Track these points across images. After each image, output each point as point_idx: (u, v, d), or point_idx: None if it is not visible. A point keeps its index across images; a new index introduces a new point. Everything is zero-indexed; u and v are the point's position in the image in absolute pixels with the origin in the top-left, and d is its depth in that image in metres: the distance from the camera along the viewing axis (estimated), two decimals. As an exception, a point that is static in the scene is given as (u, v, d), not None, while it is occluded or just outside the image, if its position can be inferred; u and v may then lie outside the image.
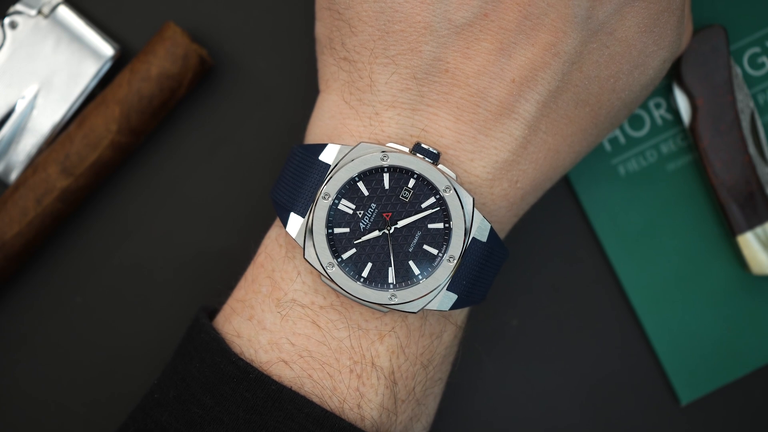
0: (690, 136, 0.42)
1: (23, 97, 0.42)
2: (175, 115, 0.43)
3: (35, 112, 0.42)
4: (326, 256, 0.32)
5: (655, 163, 0.42)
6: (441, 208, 0.32)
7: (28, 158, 0.42)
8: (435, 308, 0.32)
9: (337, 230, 0.33)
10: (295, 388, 0.33)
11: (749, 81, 0.42)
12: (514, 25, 0.32)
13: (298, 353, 0.33)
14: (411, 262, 0.32)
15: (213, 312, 0.37)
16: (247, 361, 0.33)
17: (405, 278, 0.32)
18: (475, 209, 0.32)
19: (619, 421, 0.43)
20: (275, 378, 0.33)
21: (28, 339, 0.43)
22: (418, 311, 0.32)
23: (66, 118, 0.42)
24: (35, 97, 0.42)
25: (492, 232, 0.33)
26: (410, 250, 0.32)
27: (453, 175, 0.32)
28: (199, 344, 0.34)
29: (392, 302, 0.32)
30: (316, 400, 0.32)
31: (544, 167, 0.34)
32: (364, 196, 0.32)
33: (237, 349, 0.34)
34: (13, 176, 0.42)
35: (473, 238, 0.32)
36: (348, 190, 0.33)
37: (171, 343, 0.43)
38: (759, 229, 0.41)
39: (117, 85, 0.41)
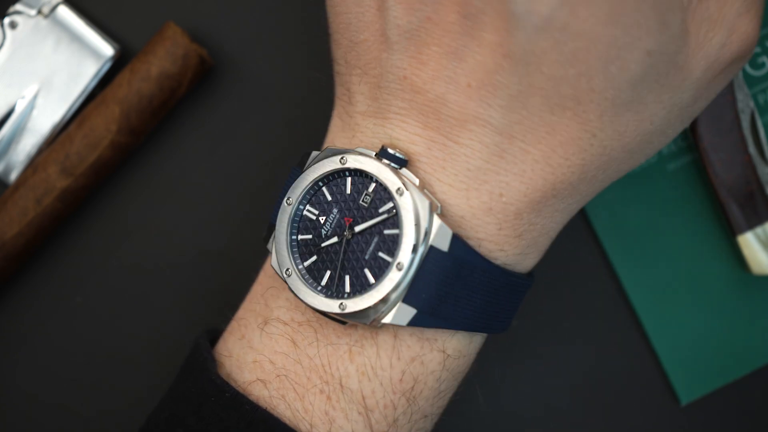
0: (690, 136, 0.42)
1: (23, 97, 0.42)
2: (175, 115, 0.43)
3: (35, 112, 0.42)
4: (285, 262, 0.32)
5: (655, 163, 0.42)
6: (396, 213, 0.31)
7: (28, 158, 0.42)
8: (389, 322, 0.30)
9: (301, 237, 0.32)
10: (269, 409, 0.31)
11: (749, 81, 0.42)
12: (456, 27, 0.31)
13: (276, 373, 0.32)
14: (366, 270, 0.31)
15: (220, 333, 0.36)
16: (229, 380, 0.32)
17: (361, 287, 0.31)
18: (434, 215, 0.30)
19: (619, 421, 0.43)
20: (253, 398, 0.32)
21: (28, 339, 0.43)
22: (370, 323, 0.30)
23: (66, 118, 0.42)
24: (35, 97, 0.42)
25: (457, 241, 0.30)
26: (366, 257, 0.31)
27: (416, 180, 0.31)
28: (192, 363, 0.34)
29: (342, 311, 0.30)
30: (288, 422, 0.31)
31: (536, 181, 0.31)
32: (328, 201, 0.32)
33: (225, 370, 0.33)
34: (13, 176, 0.42)
35: (432, 246, 0.30)
36: (313, 195, 0.32)
37: (171, 343, 0.43)
38: (759, 229, 0.41)
39: (117, 85, 0.41)
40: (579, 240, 0.43)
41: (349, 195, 0.32)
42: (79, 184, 0.41)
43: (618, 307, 0.43)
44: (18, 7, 0.41)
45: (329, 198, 0.32)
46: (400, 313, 0.30)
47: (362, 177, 0.31)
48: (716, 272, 0.42)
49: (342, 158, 0.31)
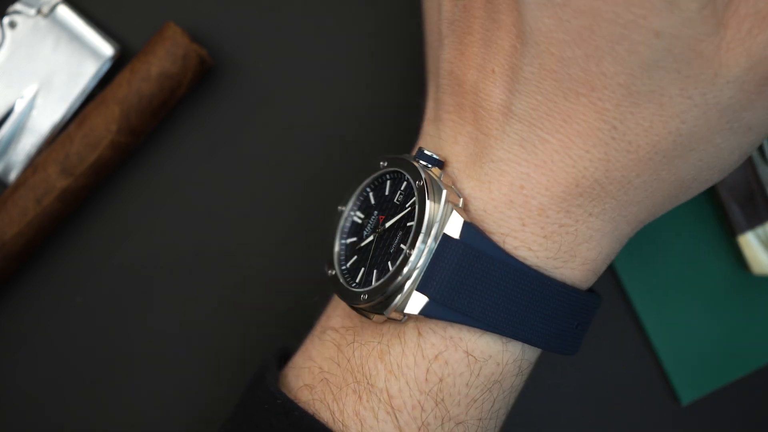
0: (690, 135, 0.42)
1: (23, 97, 0.42)
2: (175, 115, 0.43)
3: (35, 112, 0.42)
4: (332, 265, 0.33)
5: (655, 163, 0.42)
6: (416, 205, 0.31)
7: (28, 158, 0.42)
8: (404, 310, 0.31)
9: (349, 240, 0.33)
10: (315, 413, 0.32)
11: (750, 81, 0.42)
12: (482, 12, 0.31)
13: (321, 377, 0.32)
14: (389, 263, 0.31)
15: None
16: (285, 389, 0.33)
17: (382, 278, 0.31)
18: (449, 205, 0.30)
19: (619, 421, 0.43)
20: (301, 404, 0.32)
21: (28, 339, 0.43)
22: (390, 315, 0.31)
23: (66, 118, 0.42)
24: (35, 97, 0.42)
25: (470, 228, 0.30)
26: (391, 251, 0.32)
27: (440, 176, 0.31)
28: (254, 376, 0.35)
29: (365, 301, 0.31)
30: (326, 423, 0.31)
31: (557, 173, 0.30)
32: (371, 205, 0.33)
33: (286, 380, 0.34)
34: (13, 176, 0.42)
35: (445, 234, 0.30)
36: (362, 201, 0.33)
37: (170, 343, 0.43)
38: (760, 229, 0.41)
39: (117, 85, 0.40)
40: (579, 240, 0.43)
41: (387, 196, 0.33)
42: (79, 184, 0.41)
43: (618, 307, 0.43)
44: (17, 6, 0.41)
45: (373, 202, 0.33)
46: (413, 302, 0.30)
47: (398, 178, 0.32)
48: (716, 272, 0.42)
49: (383, 162, 0.32)
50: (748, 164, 0.41)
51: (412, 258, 0.30)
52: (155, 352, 0.43)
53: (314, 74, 0.43)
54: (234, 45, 0.43)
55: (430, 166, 0.31)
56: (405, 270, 0.30)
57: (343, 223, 0.33)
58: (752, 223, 0.41)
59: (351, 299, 0.32)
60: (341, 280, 0.32)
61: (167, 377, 0.43)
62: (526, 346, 0.32)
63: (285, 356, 0.36)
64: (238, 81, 0.43)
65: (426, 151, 0.31)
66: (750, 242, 0.41)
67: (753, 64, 0.29)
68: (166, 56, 0.40)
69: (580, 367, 0.43)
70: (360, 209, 0.33)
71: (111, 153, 0.41)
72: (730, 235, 0.42)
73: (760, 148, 0.41)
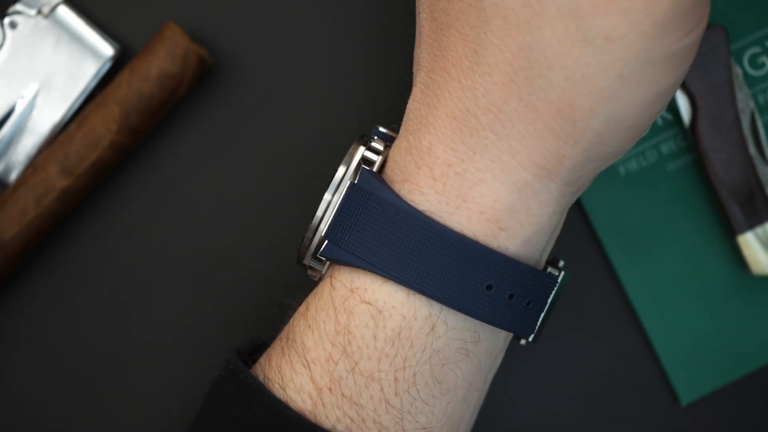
0: (690, 136, 0.42)
1: (23, 97, 0.42)
2: (175, 115, 0.43)
3: (35, 112, 0.42)
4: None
5: (655, 163, 0.42)
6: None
7: (28, 158, 0.42)
8: (312, 254, 0.33)
9: None
10: (254, 372, 0.33)
11: (749, 81, 0.42)
12: None
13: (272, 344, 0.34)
14: None
15: None
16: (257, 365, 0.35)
17: None
18: (363, 150, 0.33)
19: (619, 421, 0.43)
20: (252, 369, 0.34)
21: (28, 339, 0.43)
22: (306, 260, 0.33)
23: (66, 118, 0.42)
24: (35, 97, 0.42)
25: (364, 175, 0.31)
26: None
27: (365, 142, 0.33)
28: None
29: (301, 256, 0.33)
30: (259, 378, 0.33)
31: (441, 110, 0.31)
32: None
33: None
34: (13, 176, 0.42)
35: (350, 183, 0.32)
36: None
37: (169, 342, 0.43)
38: (759, 229, 0.41)
39: (117, 85, 0.41)
40: (579, 240, 0.43)
41: None
42: (79, 184, 0.41)
43: (618, 307, 0.43)
44: (18, 7, 0.41)
45: None
46: (319, 246, 0.32)
47: None
48: (716, 272, 0.42)
49: None
50: (748, 164, 0.41)
51: (323, 205, 0.32)
52: (155, 351, 0.43)
53: (314, 74, 0.43)
54: (234, 45, 0.43)
55: (376, 137, 0.33)
56: (317, 218, 0.32)
57: None
58: (752, 223, 0.41)
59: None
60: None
61: (167, 377, 0.43)
62: (435, 303, 0.31)
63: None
64: (238, 81, 0.43)
65: (378, 128, 0.34)
66: (750, 242, 0.41)
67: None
68: (166, 56, 0.40)
69: (580, 367, 0.43)
70: None
71: (111, 153, 0.41)
72: (730, 235, 0.42)
73: (761, 149, 0.41)
